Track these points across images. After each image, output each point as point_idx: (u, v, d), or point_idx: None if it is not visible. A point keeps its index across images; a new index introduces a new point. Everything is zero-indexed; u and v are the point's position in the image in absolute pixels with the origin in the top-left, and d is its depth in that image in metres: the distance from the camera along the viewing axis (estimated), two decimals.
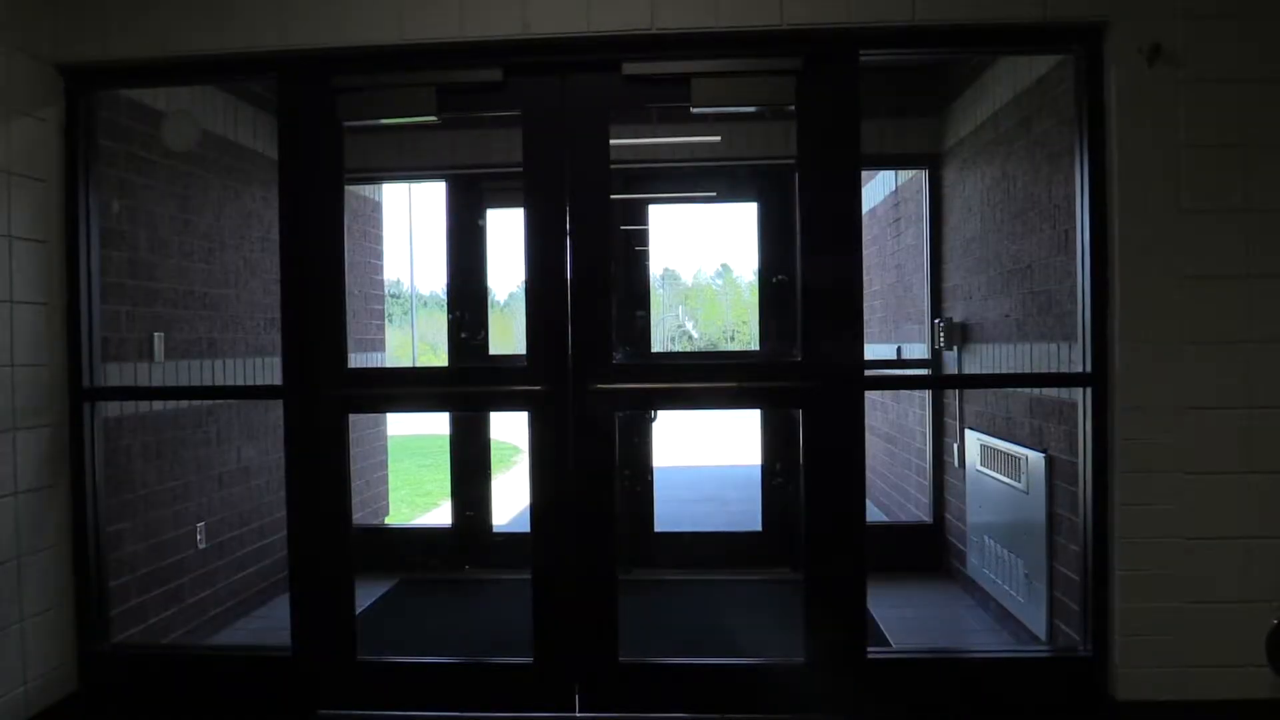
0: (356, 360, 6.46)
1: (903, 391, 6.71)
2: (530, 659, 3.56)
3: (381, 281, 7.58)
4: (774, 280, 5.83)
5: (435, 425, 14.72)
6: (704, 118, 5.58)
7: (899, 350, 6.72)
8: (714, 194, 6.25)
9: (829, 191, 3.49)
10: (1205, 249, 3.29)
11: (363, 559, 3.91)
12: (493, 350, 6.14)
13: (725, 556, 5.84)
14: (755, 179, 5.97)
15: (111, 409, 4.00)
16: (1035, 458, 4.24)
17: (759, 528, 5.98)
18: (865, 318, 3.64)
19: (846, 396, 3.48)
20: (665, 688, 3.58)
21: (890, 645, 4.38)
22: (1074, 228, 3.57)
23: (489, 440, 6.20)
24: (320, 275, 3.61)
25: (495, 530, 6.12)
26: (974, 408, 5.24)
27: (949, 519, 5.69)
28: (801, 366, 3.52)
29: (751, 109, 4.99)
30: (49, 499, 3.56)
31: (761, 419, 6.00)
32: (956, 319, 5.44)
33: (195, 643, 4.51)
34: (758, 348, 6.32)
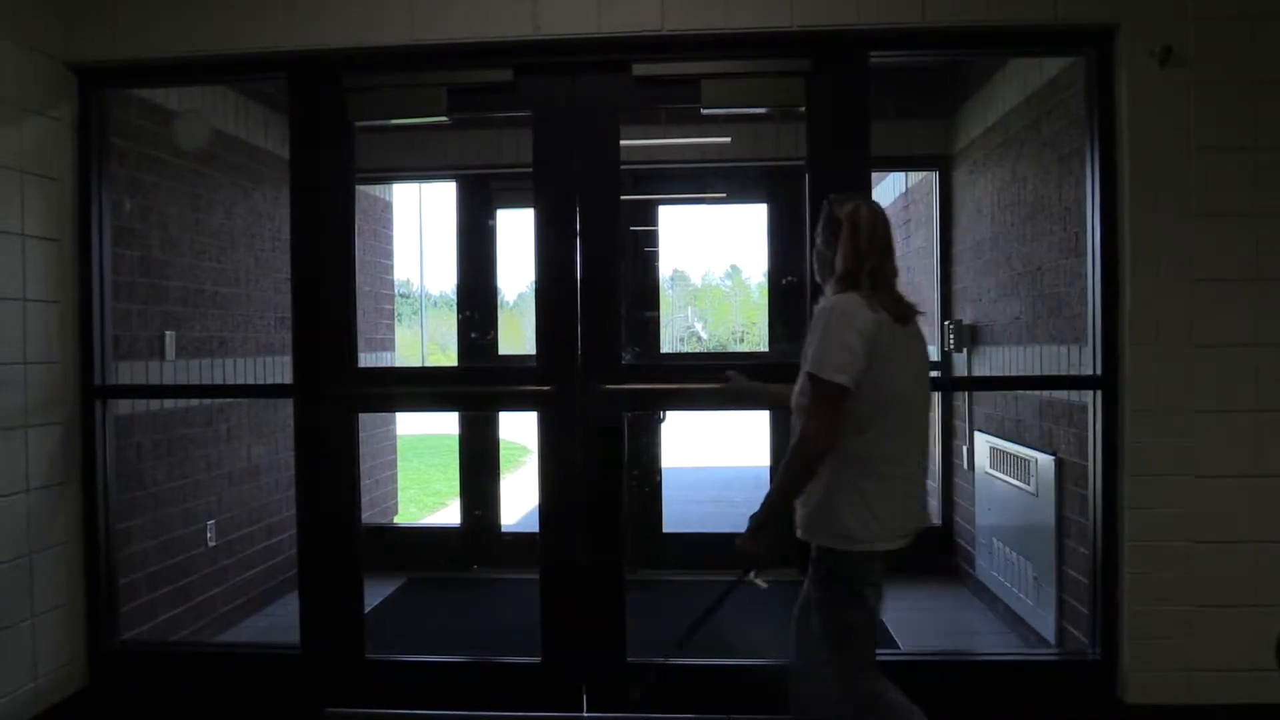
0: (366, 360, 6.47)
1: None
2: (538, 658, 3.57)
3: (391, 281, 7.59)
4: (783, 281, 5.82)
5: (444, 425, 14.75)
6: (714, 118, 5.58)
7: None
8: (724, 195, 6.24)
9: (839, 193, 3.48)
10: (1215, 252, 3.28)
11: (371, 558, 3.92)
12: (502, 350, 6.14)
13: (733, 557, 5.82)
14: (765, 180, 5.96)
15: (122, 407, 4.01)
16: (1045, 460, 4.23)
17: None
18: None
19: None
20: (673, 687, 3.58)
21: (898, 647, 4.37)
22: (1084, 230, 3.56)
23: (498, 440, 6.20)
24: (330, 274, 3.62)
25: (503, 530, 6.12)
26: (983, 410, 5.23)
27: (958, 521, 5.68)
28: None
29: (761, 110, 4.97)
30: (60, 496, 3.58)
31: (770, 420, 5.99)
32: (966, 321, 5.43)
33: (204, 640, 4.52)
34: (767, 349, 6.31)
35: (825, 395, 2.43)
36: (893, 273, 2.59)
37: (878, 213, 2.61)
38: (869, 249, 2.55)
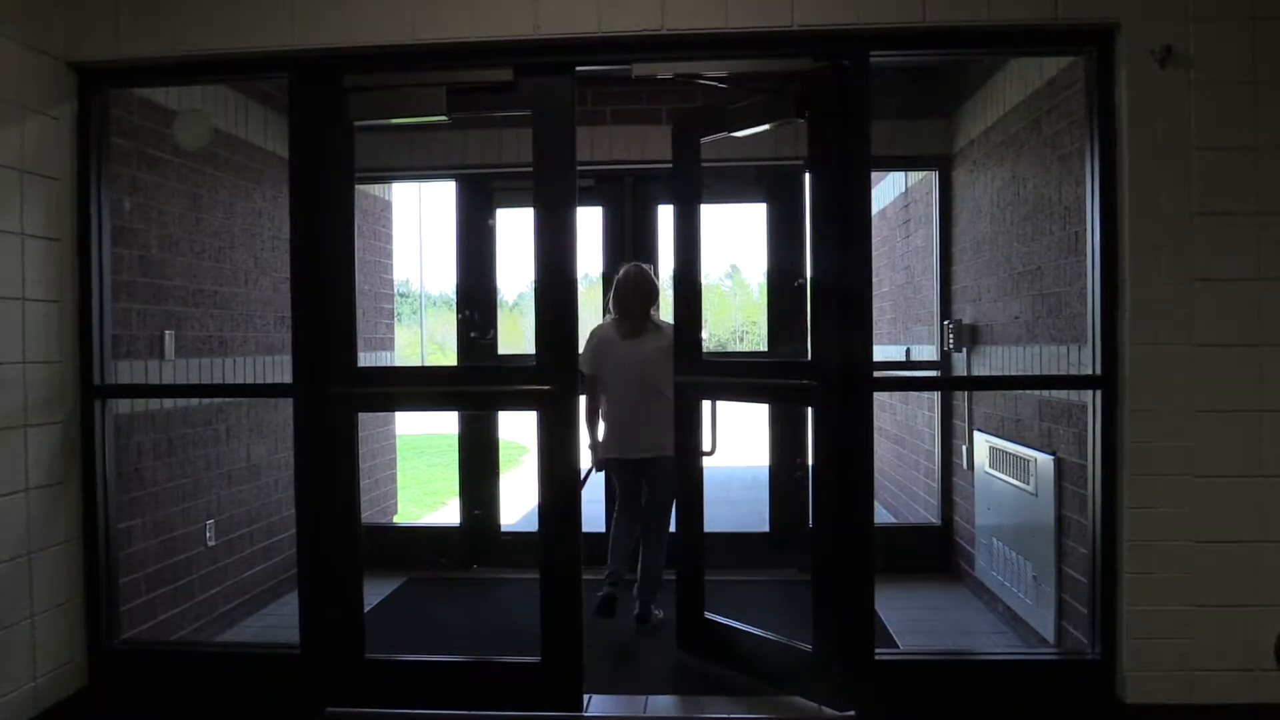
0: (365, 359, 6.47)
1: (911, 393, 6.70)
2: (538, 658, 3.57)
3: (391, 281, 7.59)
4: (795, 284, 5.81)
5: (444, 424, 14.74)
6: None
7: (908, 352, 6.70)
8: (723, 195, 6.23)
9: (838, 192, 3.49)
10: (1216, 252, 3.28)
11: (371, 557, 3.92)
12: (501, 350, 6.14)
13: (733, 557, 5.83)
14: (765, 180, 5.96)
15: (122, 406, 4.01)
16: (1044, 460, 4.23)
17: (767, 528, 5.97)
18: (874, 319, 3.63)
19: (855, 397, 3.48)
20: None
21: (898, 646, 4.38)
22: (1084, 229, 3.56)
23: (497, 439, 6.20)
24: (330, 274, 3.62)
25: (503, 529, 6.12)
26: (983, 409, 5.23)
27: (957, 521, 5.68)
28: (810, 367, 3.52)
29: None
30: (60, 496, 3.58)
31: (770, 419, 5.99)
32: (966, 320, 5.43)
33: (204, 639, 4.52)
34: (766, 348, 6.31)
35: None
36: (636, 305, 4.58)
37: (628, 276, 4.61)
38: (617, 296, 4.63)
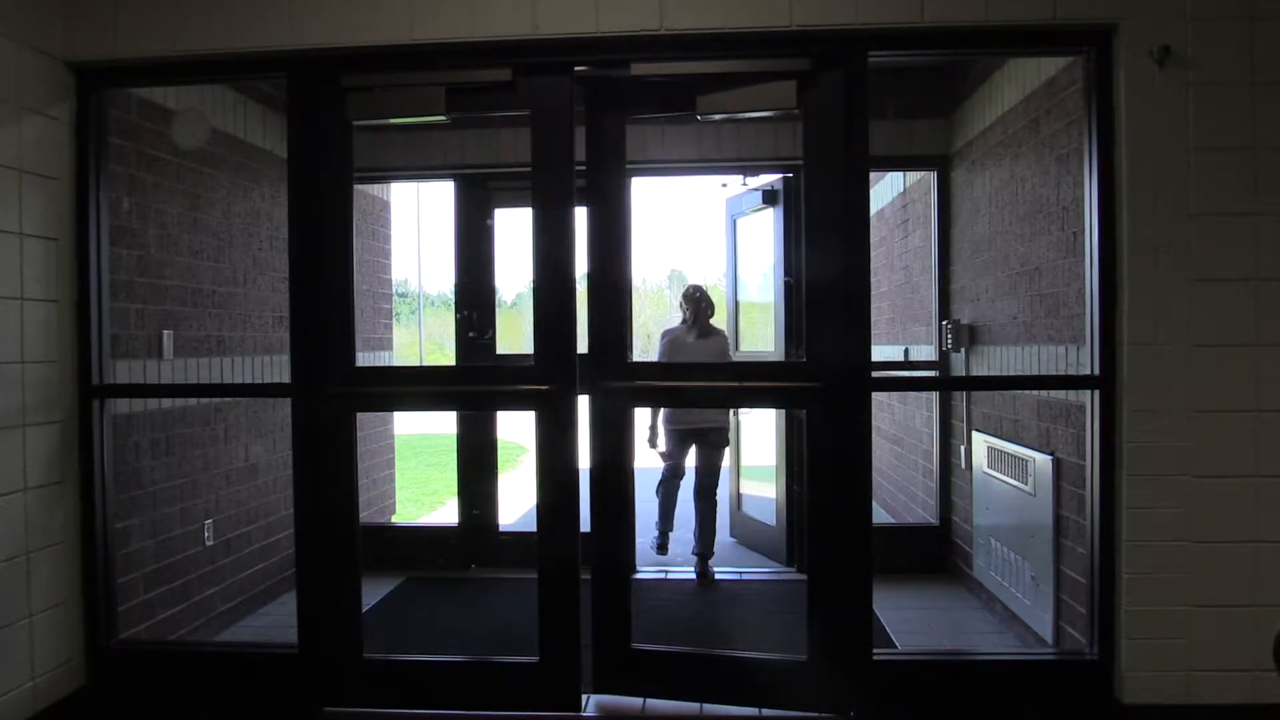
0: (364, 359, 6.47)
1: (910, 393, 6.70)
2: (536, 658, 3.57)
3: (389, 280, 7.59)
4: (785, 282, 5.82)
5: (442, 424, 14.74)
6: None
7: (906, 352, 6.70)
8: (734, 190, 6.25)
9: (837, 192, 3.48)
10: (1214, 252, 3.28)
11: (369, 557, 3.92)
12: (500, 350, 6.14)
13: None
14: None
15: (120, 406, 4.01)
16: (1042, 460, 4.23)
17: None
18: (873, 319, 3.63)
19: (853, 397, 3.47)
20: (677, 685, 3.59)
21: (896, 646, 4.38)
22: (1082, 230, 3.56)
23: (495, 439, 6.20)
24: (329, 274, 3.62)
25: (501, 529, 6.12)
26: (981, 410, 5.23)
27: (955, 521, 5.68)
28: (808, 367, 3.52)
29: (761, 114, 4.98)
30: (58, 495, 3.58)
31: (775, 421, 6.02)
32: (964, 321, 5.43)
33: (202, 639, 4.52)
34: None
35: None
36: (702, 314, 5.82)
37: (692, 291, 5.91)
38: (689, 306, 5.83)
